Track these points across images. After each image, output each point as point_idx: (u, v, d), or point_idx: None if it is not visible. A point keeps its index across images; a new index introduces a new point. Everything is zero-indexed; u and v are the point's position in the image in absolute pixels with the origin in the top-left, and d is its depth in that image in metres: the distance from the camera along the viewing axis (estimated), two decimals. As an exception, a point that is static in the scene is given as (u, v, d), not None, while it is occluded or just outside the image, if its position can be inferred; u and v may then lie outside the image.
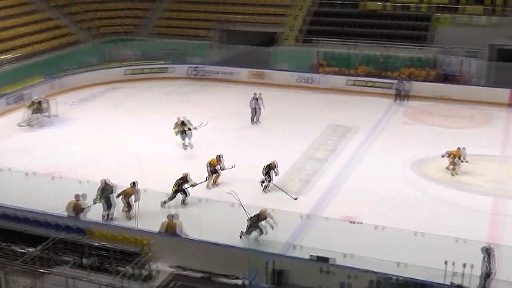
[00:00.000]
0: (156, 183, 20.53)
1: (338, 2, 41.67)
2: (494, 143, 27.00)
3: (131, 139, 26.96)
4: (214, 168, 21.54)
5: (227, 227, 18.27)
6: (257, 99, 29.22)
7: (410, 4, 40.13)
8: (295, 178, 22.56)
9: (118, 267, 15.29)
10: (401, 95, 33.32)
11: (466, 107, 32.40)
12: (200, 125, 25.35)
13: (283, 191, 20.95)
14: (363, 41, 37.55)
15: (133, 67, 38.21)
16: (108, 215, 18.95)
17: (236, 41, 40.02)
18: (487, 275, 14.81)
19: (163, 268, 15.76)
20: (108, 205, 18.95)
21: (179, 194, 19.83)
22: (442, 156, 22.98)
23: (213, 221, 18.32)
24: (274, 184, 21.30)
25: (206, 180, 21.25)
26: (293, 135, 27.62)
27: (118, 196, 18.97)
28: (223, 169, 21.67)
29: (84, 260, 15.82)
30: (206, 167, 21.55)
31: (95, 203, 18.74)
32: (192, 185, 20.05)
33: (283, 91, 35.02)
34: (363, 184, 22.03)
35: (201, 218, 18.53)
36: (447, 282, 14.02)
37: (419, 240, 16.40)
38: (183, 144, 25.46)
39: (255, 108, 29.14)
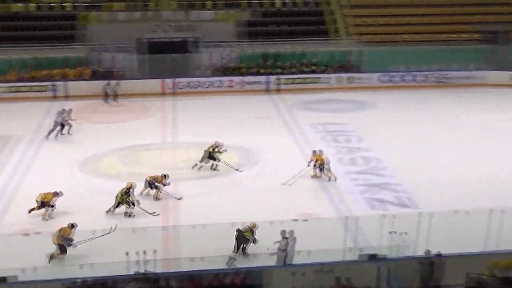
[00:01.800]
0: None
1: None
2: (155, 132, 28.37)
3: None
4: (155, 184, 20.54)
5: None
6: (62, 113, 27.33)
7: (54, 4, 39.47)
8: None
9: None
10: (109, 95, 33.10)
11: (125, 100, 33.38)
12: None
13: (227, 165, 22.88)
14: (10, 45, 35.68)
15: None
16: None
17: None
18: (285, 256, 15.94)
19: None
20: None
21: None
22: (308, 165, 22.14)
23: None
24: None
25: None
26: None
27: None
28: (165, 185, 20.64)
29: None
30: (147, 182, 20.52)
31: None
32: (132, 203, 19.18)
33: None
34: (32, 193, 20.96)
35: None
36: (132, 272, 14.40)
37: (107, 238, 16.58)
38: None
39: (61, 122, 27.07)
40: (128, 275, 14.35)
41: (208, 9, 40.12)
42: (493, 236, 16.35)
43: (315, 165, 22.17)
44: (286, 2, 41.15)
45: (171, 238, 17.54)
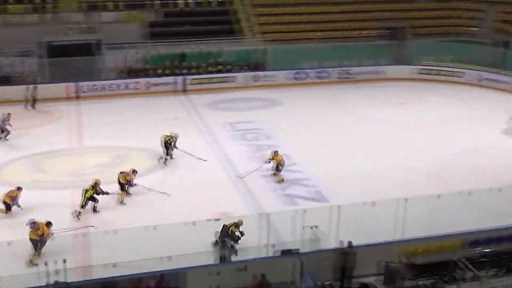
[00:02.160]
0: None
1: None
2: (62, 137, 27.82)
3: None
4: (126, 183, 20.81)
5: None
6: (5, 120, 27.19)
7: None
8: None
9: None
10: (29, 100, 32.12)
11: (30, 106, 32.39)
12: None
13: (190, 154, 24.19)
14: None
15: None
16: None
17: None
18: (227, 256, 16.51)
19: None
20: None
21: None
22: (267, 162, 22.80)
23: None
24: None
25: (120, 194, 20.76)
26: None
27: None
28: (133, 186, 21.01)
29: None
30: (119, 180, 20.72)
31: None
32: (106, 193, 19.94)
33: None
34: None
35: None
36: (51, 282, 14.26)
37: (25, 247, 16.38)
38: None
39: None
40: (48, 284, 14.24)
41: (111, 10, 39.47)
42: (399, 224, 17.35)
43: (277, 166, 22.72)
44: (189, 2, 41.20)
45: (88, 245, 17.41)
